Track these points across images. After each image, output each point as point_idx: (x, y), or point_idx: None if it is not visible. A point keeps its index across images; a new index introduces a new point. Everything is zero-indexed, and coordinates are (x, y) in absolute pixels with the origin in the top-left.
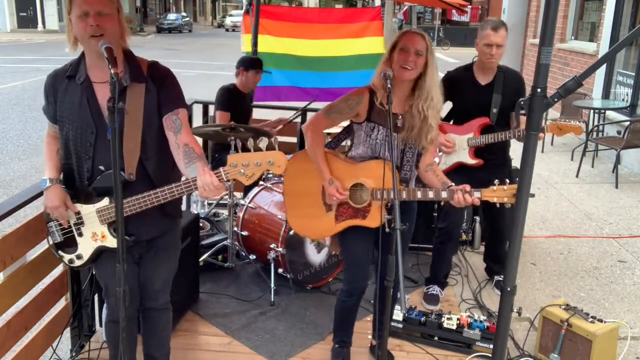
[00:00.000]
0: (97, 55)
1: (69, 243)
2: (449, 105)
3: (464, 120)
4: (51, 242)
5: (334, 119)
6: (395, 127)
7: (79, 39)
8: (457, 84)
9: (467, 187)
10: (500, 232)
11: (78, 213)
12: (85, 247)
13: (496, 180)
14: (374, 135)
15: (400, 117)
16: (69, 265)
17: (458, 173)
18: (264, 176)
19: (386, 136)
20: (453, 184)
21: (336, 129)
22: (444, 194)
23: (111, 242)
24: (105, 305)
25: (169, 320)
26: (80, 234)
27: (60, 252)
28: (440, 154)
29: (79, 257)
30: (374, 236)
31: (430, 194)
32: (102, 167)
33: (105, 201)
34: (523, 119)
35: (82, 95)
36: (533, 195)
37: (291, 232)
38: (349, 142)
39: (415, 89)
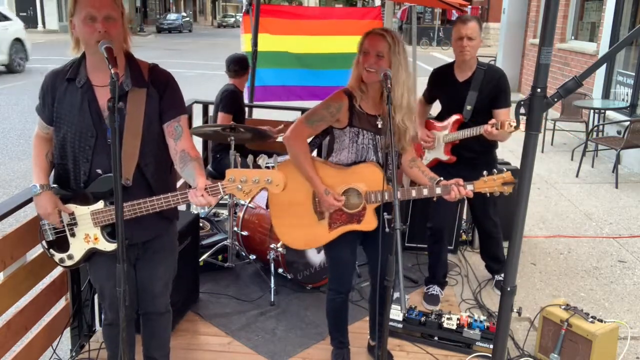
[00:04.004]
0: (100, 59)
1: (61, 242)
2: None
3: (445, 117)
4: (43, 241)
5: (317, 126)
6: (376, 129)
7: (82, 43)
8: (439, 80)
9: (460, 181)
10: (488, 232)
11: (72, 214)
12: (77, 248)
13: (484, 172)
14: (360, 140)
15: (379, 117)
16: (60, 264)
17: (438, 169)
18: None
19: (370, 139)
20: (442, 178)
21: None
22: (438, 190)
23: (103, 245)
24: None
25: (169, 322)
26: (73, 235)
27: (51, 250)
28: (425, 150)
29: (70, 257)
30: (360, 237)
31: (425, 192)
32: (99, 171)
33: (100, 204)
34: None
35: (82, 99)
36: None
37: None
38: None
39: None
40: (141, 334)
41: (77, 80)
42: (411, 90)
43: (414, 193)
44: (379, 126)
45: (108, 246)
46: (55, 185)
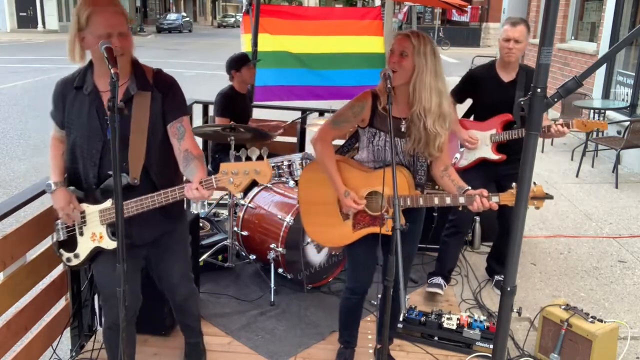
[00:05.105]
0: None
1: (70, 242)
2: (468, 102)
3: (486, 117)
4: (54, 240)
5: (342, 128)
6: (399, 132)
7: (95, 55)
8: (480, 81)
9: (485, 192)
10: (509, 228)
11: (82, 212)
12: (84, 247)
13: (514, 184)
14: (376, 142)
15: (403, 121)
16: (67, 264)
17: (480, 167)
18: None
19: (387, 141)
20: (469, 187)
21: None
22: (461, 200)
23: (107, 243)
24: None
25: (196, 302)
26: (82, 233)
27: (61, 249)
28: (462, 149)
29: (76, 256)
30: (379, 239)
31: (448, 200)
32: (110, 172)
33: (108, 202)
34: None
35: (90, 105)
36: (551, 197)
37: (292, 232)
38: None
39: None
40: (171, 307)
41: (85, 87)
42: (443, 94)
43: (436, 200)
44: (402, 129)
45: (111, 244)
46: (72, 187)
